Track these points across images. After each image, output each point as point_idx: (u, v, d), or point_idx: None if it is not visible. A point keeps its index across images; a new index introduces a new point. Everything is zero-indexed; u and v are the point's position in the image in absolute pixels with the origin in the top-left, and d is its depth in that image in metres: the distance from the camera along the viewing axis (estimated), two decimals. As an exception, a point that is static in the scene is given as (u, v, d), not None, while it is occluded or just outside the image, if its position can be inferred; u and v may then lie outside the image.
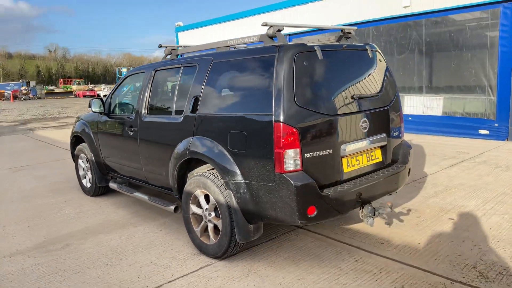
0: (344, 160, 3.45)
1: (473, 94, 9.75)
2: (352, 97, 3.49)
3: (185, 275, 3.53)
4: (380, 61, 3.97)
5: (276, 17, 13.81)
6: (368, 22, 11.25)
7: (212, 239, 3.76)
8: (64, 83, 66.36)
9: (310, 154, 3.17)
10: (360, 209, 3.68)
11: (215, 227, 3.74)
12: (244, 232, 3.44)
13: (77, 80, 67.38)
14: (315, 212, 3.14)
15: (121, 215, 5.17)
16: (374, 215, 3.51)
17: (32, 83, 56.59)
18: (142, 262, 3.80)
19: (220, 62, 3.76)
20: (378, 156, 3.81)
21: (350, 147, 3.44)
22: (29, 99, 46.69)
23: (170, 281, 3.43)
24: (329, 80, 3.40)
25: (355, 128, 3.50)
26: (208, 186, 3.64)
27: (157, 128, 4.38)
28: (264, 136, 3.15)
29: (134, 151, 4.73)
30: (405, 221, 4.53)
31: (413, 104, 10.71)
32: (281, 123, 3.06)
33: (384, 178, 3.66)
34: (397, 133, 4.02)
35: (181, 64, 4.24)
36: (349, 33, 4.06)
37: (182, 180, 4.12)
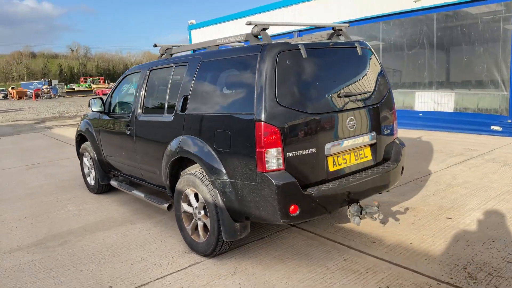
0: (330, 159, 3.42)
1: (485, 89, 9.50)
2: (339, 96, 3.46)
3: (174, 272, 3.57)
4: (371, 58, 3.91)
5: (287, 13, 13.73)
6: (378, 17, 11.07)
7: (201, 237, 3.79)
8: (85, 82, 67.79)
9: (293, 153, 3.16)
10: (348, 208, 3.64)
11: (205, 225, 3.77)
12: (230, 231, 3.46)
13: (91, 78, 68.63)
14: (298, 211, 3.13)
15: (121, 212, 5.26)
16: (361, 214, 3.48)
17: (54, 82, 57.92)
18: (134, 259, 3.87)
19: (208, 61, 3.78)
20: (367, 154, 3.77)
21: (335, 146, 3.41)
22: (50, 98, 47.84)
23: (157, 279, 3.48)
24: (314, 78, 3.38)
25: (341, 126, 3.46)
26: (197, 185, 3.67)
27: (151, 127, 4.44)
28: (247, 135, 3.16)
29: (132, 150, 4.81)
30: (401, 220, 4.47)
31: (424, 100, 10.50)
32: (263, 122, 3.06)
33: (373, 177, 3.62)
34: (388, 131, 3.96)
35: (173, 63, 4.28)
36: (341, 30, 4.01)
37: (175, 178, 4.17)
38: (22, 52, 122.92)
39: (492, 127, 9.29)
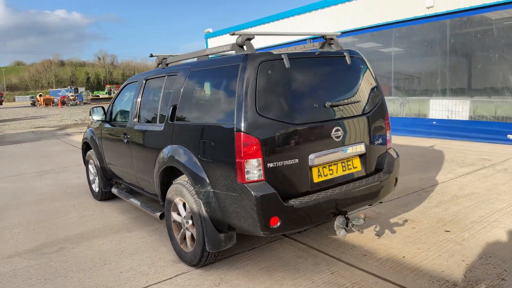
0: (315, 170, 3.36)
1: (500, 97, 9.20)
2: (324, 106, 3.40)
3: (159, 282, 3.57)
4: (361, 67, 3.84)
5: (299, 21, 13.71)
6: (390, 24, 10.91)
7: (189, 247, 3.79)
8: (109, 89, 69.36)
9: (274, 164, 3.12)
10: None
11: (192, 235, 3.76)
12: (214, 241, 3.44)
13: (108, 86, 70.09)
14: (279, 223, 3.08)
15: (120, 220, 5.32)
16: (347, 226, 3.39)
17: (81, 89, 59.60)
18: (123, 268, 3.89)
19: (196, 71, 3.80)
20: (356, 165, 3.69)
21: (320, 157, 3.35)
22: (76, 105, 49.15)
23: (142, 288, 3.49)
24: (298, 88, 3.33)
25: (326, 137, 3.40)
26: (184, 194, 3.68)
27: (144, 136, 4.48)
28: (228, 146, 3.14)
29: (129, 158, 4.87)
30: (397, 232, 4.35)
31: (438, 108, 10.25)
32: (242, 133, 3.04)
33: (361, 188, 3.53)
34: (380, 140, 3.87)
35: (165, 73, 4.32)
36: (332, 39, 3.97)
37: (167, 187, 4.18)
38: (51, 61, 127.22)
39: (508, 135, 8.97)
